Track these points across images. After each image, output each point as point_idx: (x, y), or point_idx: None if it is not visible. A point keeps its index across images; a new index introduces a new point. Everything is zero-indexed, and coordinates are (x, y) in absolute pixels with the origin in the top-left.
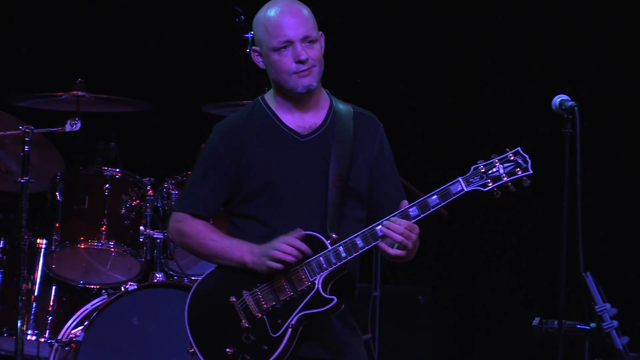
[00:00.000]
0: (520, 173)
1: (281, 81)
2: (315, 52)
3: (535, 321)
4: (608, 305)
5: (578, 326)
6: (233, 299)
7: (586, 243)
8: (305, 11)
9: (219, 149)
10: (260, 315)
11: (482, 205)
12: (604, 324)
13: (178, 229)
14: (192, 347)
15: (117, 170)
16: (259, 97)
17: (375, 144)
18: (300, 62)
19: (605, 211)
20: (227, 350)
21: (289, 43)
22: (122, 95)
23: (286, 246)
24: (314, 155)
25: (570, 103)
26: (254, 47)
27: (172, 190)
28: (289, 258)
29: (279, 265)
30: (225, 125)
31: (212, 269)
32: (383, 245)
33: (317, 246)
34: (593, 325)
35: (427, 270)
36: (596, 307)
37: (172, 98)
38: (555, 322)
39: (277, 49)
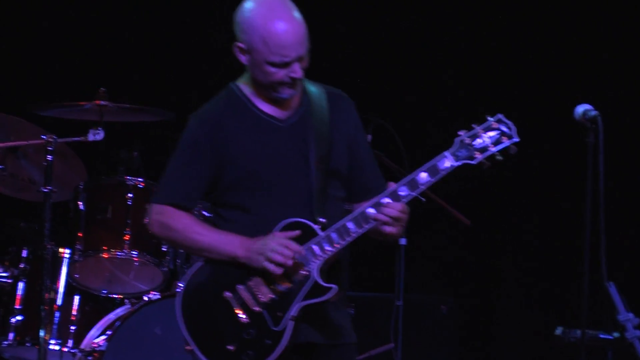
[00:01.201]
0: (506, 141)
1: (267, 85)
2: (304, 64)
3: (558, 331)
4: (631, 315)
5: (601, 336)
6: (228, 294)
7: (609, 252)
8: (301, 20)
9: (198, 137)
10: (258, 309)
11: (503, 213)
12: (627, 333)
13: (161, 222)
14: (188, 344)
15: (140, 179)
16: (232, 84)
17: (350, 121)
18: (293, 78)
19: (628, 220)
20: (229, 347)
21: (289, 63)
22: (145, 105)
23: (285, 249)
24: (294, 140)
25: (593, 112)
26: (238, 44)
27: None
28: (289, 262)
29: (278, 270)
30: (202, 114)
31: (199, 264)
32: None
33: (307, 233)
34: (616, 335)
35: (450, 280)
36: (619, 316)
37: (195, 107)
38: (578, 331)
39: (274, 64)
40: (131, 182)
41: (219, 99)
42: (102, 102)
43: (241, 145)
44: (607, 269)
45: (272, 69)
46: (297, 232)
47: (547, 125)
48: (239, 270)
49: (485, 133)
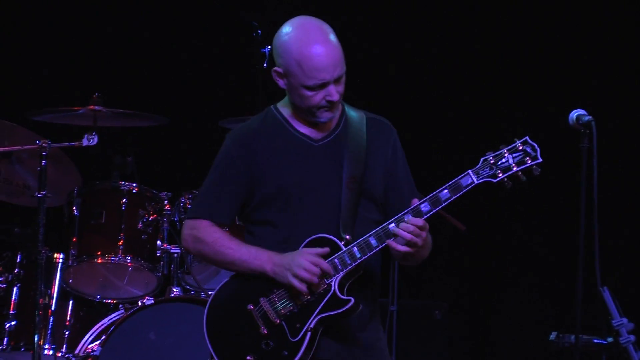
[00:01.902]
0: (529, 162)
1: (304, 109)
2: (342, 86)
3: (552, 336)
4: (625, 320)
5: (595, 341)
6: (250, 306)
7: (603, 258)
8: (337, 43)
9: (233, 155)
10: (278, 320)
11: (498, 219)
12: (620, 338)
13: (194, 236)
14: (212, 357)
15: (134, 184)
16: (272, 106)
17: (388, 148)
18: (330, 101)
19: (622, 226)
20: (248, 358)
21: (325, 85)
22: (139, 110)
23: (313, 267)
24: (327, 159)
25: (587, 118)
26: (275, 68)
27: (189, 204)
28: (315, 280)
29: (302, 286)
30: (238, 132)
31: (227, 279)
32: (392, 242)
33: (330, 248)
34: (610, 339)
35: (444, 285)
36: (613, 321)
37: (189, 112)
38: (572, 336)
39: (310, 88)
40: (125, 187)
41: (256, 118)
42: (97, 107)
43: (274, 163)
44: (601, 273)
45: (309, 93)
46: (325, 250)
47: (542, 131)
48: (264, 283)
49: (510, 154)
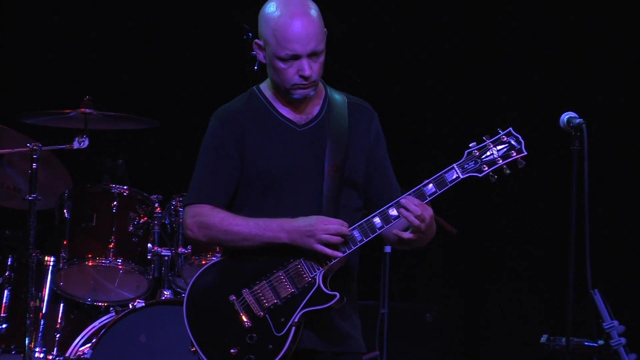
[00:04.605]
0: (514, 155)
1: (280, 85)
2: (318, 65)
3: (543, 338)
4: (616, 323)
5: (586, 343)
6: (232, 297)
7: (594, 260)
8: (316, 19)
9: (223, 135)
10: (262, 314)
11: (489, 223)
12: (611, 341)
13: (198, 222)
14: (193, 345)
15: (125, 187)
16: (254, 87)
17: (370, 132)
18: (303, 77)
19: (613, 228)
20: (232, 351)
21: (297, 57)
22: (130, 113)
23: (341, 227)
24: (310, 145)
25: (578, 120)
26: (256, 40)
27: (180, 207)
28: (339, 240)
29: (328, 251)
30: (224, 113)
31: (206, 266)
32: (397, 231)
33: None
34: (601, 342)
35: (435, 288)
36: (604, 324)
37: (180, 115)
38: (563, 339)
39: (282, 59)
40: (116, 190)
41: (240, 99)
42: (87, 110)
43: (256, 145)
44: (592, 276)
45: (281, 65)
46: (339, 221)
47: (533, 133)
48: (245, 274)
49: (494, 146)
